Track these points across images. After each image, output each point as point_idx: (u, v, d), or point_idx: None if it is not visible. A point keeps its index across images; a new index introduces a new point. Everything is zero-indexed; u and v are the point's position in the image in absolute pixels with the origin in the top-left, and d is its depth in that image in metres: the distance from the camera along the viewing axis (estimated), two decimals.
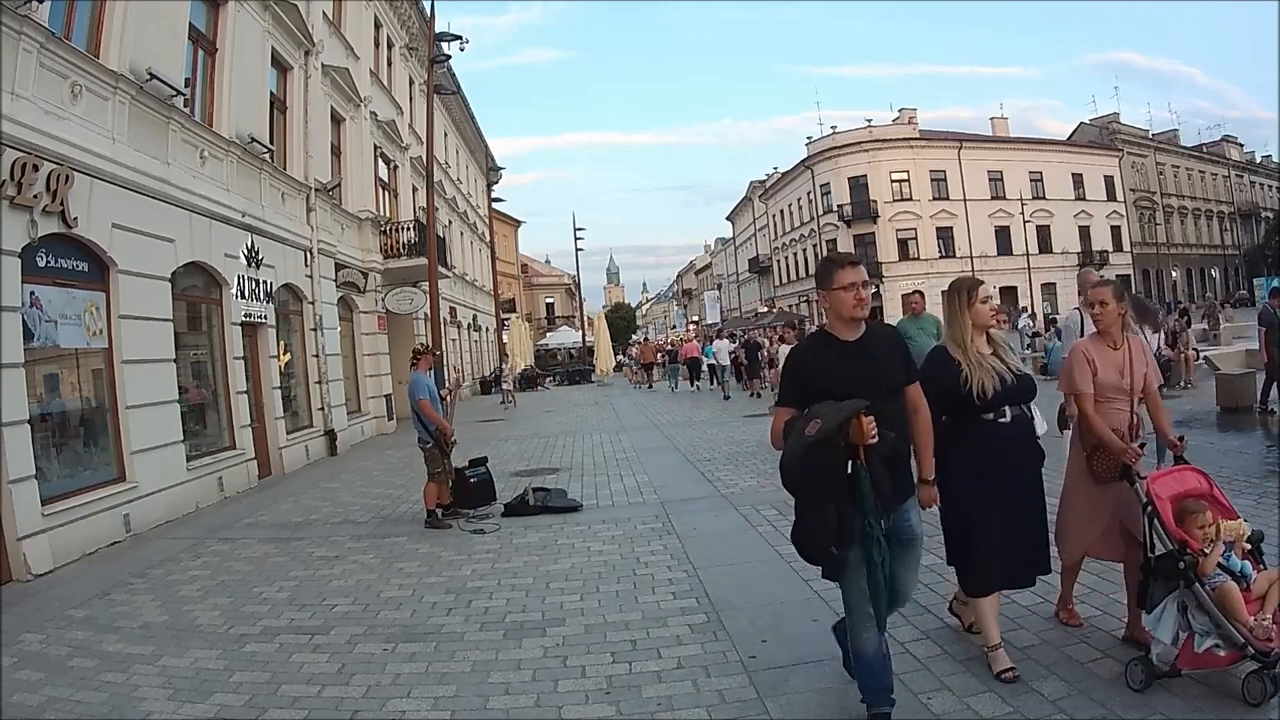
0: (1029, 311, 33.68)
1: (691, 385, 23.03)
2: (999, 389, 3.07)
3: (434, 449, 6.93)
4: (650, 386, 25.89)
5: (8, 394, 5.73)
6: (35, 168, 6.08)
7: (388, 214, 17.28)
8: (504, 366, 25.19)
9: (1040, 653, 3.25)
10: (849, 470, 2.49)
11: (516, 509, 6.94)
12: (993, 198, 42.59)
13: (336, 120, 14.59)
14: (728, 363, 19.44)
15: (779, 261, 53.29)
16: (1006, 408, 3.13)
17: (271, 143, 11.11)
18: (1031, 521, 3.18)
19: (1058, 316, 21.37)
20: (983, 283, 3.32)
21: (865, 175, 42.33)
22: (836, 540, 2.53)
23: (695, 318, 71.78)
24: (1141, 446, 3.25)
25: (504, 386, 22.86)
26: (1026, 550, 3.15)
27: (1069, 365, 3.39)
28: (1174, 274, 47.41)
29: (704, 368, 22.76)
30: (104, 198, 7.09)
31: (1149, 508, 2.90)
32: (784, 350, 8.78)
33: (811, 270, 46.70)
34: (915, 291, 8.48)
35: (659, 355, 28.97)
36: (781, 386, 2.85)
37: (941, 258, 41.47)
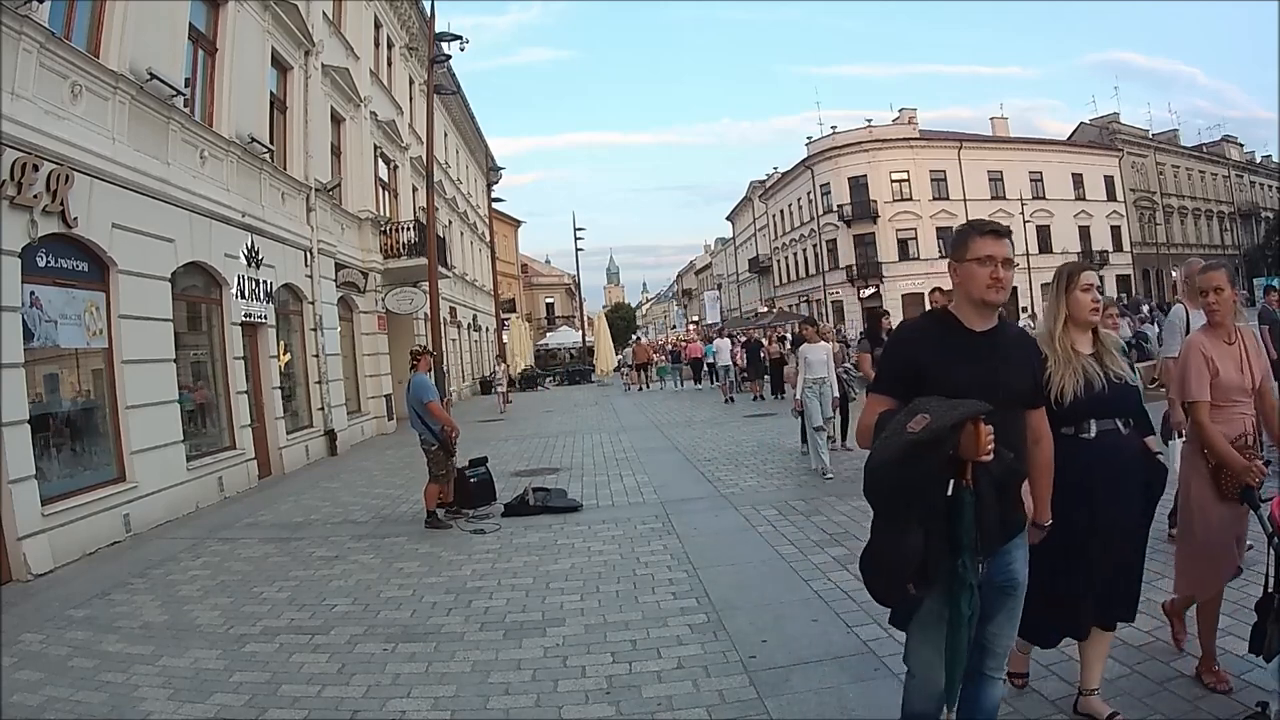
0: (1029, 311, 33.68)
1: (696, 384, 23.67)
2: (1081, 395, 2.55)
3: (439, 450, 6.91)
4: (644, 388, 25.19)
5: (8, 394, 5.73)
6: (35, 168, 6.08)
7: (388, 214, 17.28)
8: (497, 368, 22.94)
9: (1040, 653, 3.24)
10: (949, 490, 1.93)
11: (516, 509, 6.94)
12: (993, 198, 42.52)
13: (336, 120, 14.59)
14: (730, 363, 18.77)
15: (779, 261, 53.25)
16: (1092, 421, 2.60)
17: (271, 143, 11.11)
18: (1111, 566, 2.62)
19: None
20: (1089, 267, 2.76)
21: (865, 175, 42.28)
22: (917, 576, 1.94)
23: (695, 318, 71.75)
24: (1266, 464, 2.79)
25: (497, 389, 20.97)
26: (1093, 598, 2.62)
27: (1184, 367, 2.91)
28: (1174, 273, 47.37)
29: (704, 367, 23.11)
30: (104, 198, 7.09)
31: (1275, 539, 2.47)
32: (811, 349, 8.07)
33: (811, 270, 46.81)
34: (936, 289, 8.32)
35: (653, 355, 28.83)
36: (881, 369, 2.31)
37: (941, 258, 41.00)
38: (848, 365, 9.59)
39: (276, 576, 5.47)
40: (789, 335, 20.58)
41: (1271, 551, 2.51)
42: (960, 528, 1.91)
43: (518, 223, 48.53)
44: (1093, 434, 2.62)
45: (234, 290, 9.74)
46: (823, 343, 8.28)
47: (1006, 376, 2.13)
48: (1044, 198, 42.77)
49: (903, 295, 39.93)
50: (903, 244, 41.92)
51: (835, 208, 43.00)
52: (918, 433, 1.88)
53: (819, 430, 7.74)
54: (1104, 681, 2.87)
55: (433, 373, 7.79)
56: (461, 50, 16.46)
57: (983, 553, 1.98)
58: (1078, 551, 2.54)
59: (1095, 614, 2.67)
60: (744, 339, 21.82)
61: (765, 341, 20.15)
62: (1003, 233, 2.19)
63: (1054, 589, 2.55)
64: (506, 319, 34.19)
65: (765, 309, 51.95)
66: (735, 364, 18.93)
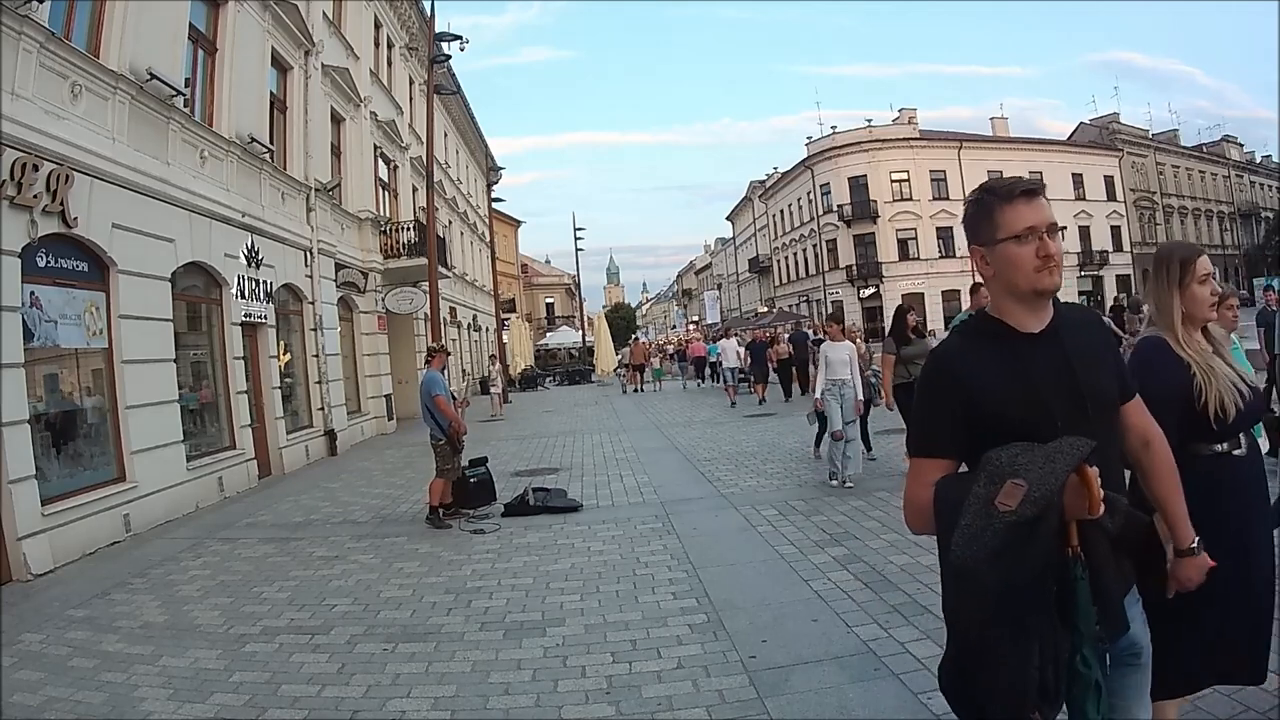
0: None
1: (699, 383, 23.84)
2: (1240, 407, 2.13)
3: (446, 445, 7.01)
4: (640, 389, 24.45)
5: (8, 394, 5.73)
6: (35, 168, 6.08)
7: (388, 214, 17.28)
8: (491, 370, 21.18)
9: None
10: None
11: (516, 509, 6.94)
12: None
13: (336, 120, 14.59)
14: (735, 363, 17.63)
15: (779, 261, 53.28)
16: (1241, 435, 2.22)
17: (271, 143, 11.12)
18: (1262, 595, 2.22)
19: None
20: (1202, 253, 2.28)
21: (865, 175, 42.32)
22: (1040, 697, 1.39)
23: (695, 318, 71.77)
24: None
25: (491, 392, 19.54)
26: (1254, 636, 2.21)
27: None
28: None
29: (707, 366, 23.12)
30: (104, 198, 7.10)
31: None
32: (833, 348, 7.41)
33: (811, 270, 46.76)
34: (978, 283, 7.77)
35: (648, 357, 28.78)
36: (919, 420, 1.73)
37: (941, 258, 41.47)
38: (875, 368, 8.87)
39: (276, 576, 5.47)
40: (787, 334, 20.32)
41: None
42: (1075, 613, 1.40)
43: (518, 223, 48.55)
44: (1244, 449, 2.21)
45: (234, 290, 9.74)
46: (845, 342, 7.59)
47: (1091, 381, 1.58)
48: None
49: (903, 295, 39.91)
50: (903, 244, 41.94)
51: (835, 208, 43.02)
52: (1016, 509, 1.35)
53: (837, 437, 7.08)
54: None
55: (446, 370, 7.90)
56: (461, 50, 16.48)
57: (1108, 637, 1.48)
58: (1228, 587, 2.03)
59: (1255, 665, 2.23)
60: (749, 338, 20.65)
61: (774, 340, 18.39)
62: (1036, 190, 1.60)
63: (1199, 630, 2.08)
64: (506, 319, 34.17)
65: (765, 309, 52.02)
66: (740, 364, 17.80)
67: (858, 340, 9.11)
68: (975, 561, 1.37)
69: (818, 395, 7.45)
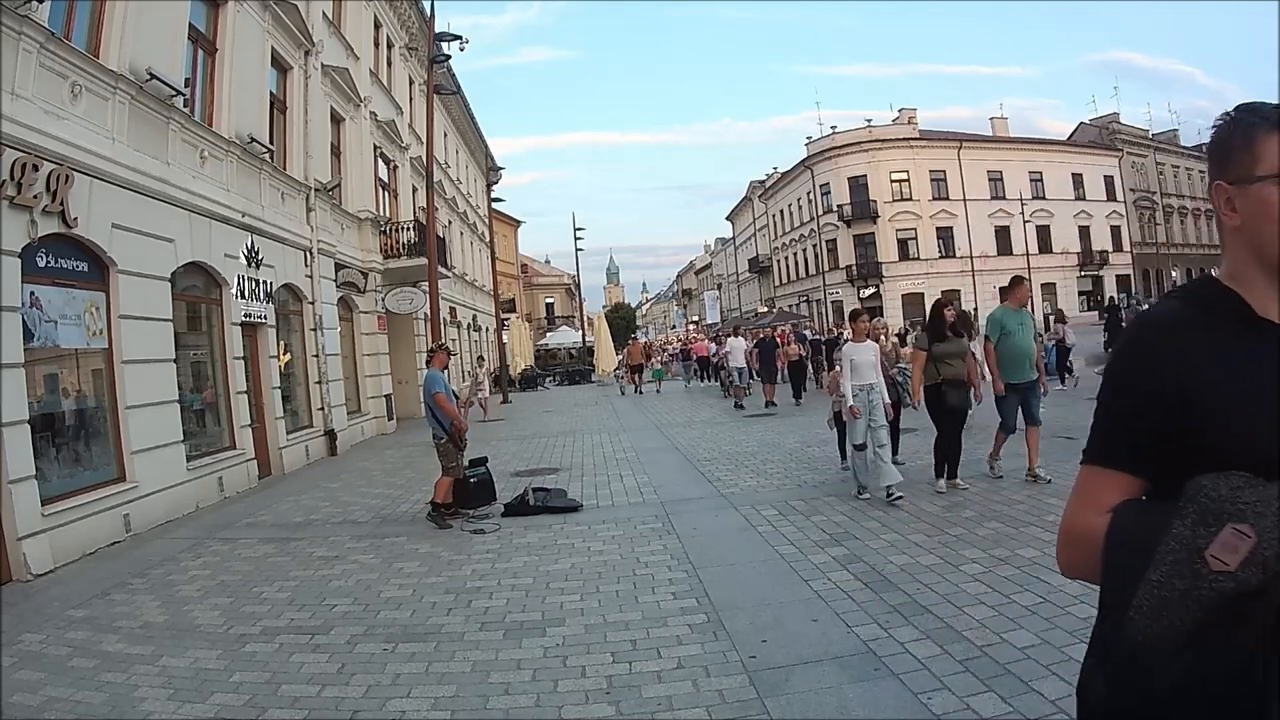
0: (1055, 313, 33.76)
1: (702, 382, 24.08)
2: None
3: (448, 444, 7.04)
4: (639, 390, 23.58)
5: (8, 394, 5.73)
6: (35, 168, 6.08)
7: (388, 214, 17.29)
8: (480, 371, 19.78)
9: (1040, 653, 3.25)
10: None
11: (516, 509, 6.94)
12: (993, 198, 42.62)
13: (336, 120, 14.59)
14: (742, 364, 16.63)
15: (779, 261, 53.30)
16: None
17: (271, 143, 11.12)
18: None
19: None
20: None
21: (865, 175, 42.34)
22: None
23: (695, 318, 71.80)
24: None
25: (478, 396, 18.20)
26: None
27: None
28: (1174, 274, 47.36)
29: (710, 366, 23.23)
30: (104, 198, 7.10)
31: None
32: (857, 349, 6.71)
33: (811, 270, 46.76)
34: (1018, 277, 7.12)
35: (648, 356, 28.82)
36: (1102, 411, 1.19)
37: (941, 258, 41.53)
38: (901, 365, 8.13)
39: (276, 576, 5.47)
40: (791, 333, 19.98)
41: None
42: None
43: (517, 223, 48.57)
44: None
45: (234, 290, 9.75)
46: (869, 342, 6.82)
47: None
48: (1044, 198, 42.81)
49: (902, 295, 39.96)
50: (903, 244, 41.96)
51: (835, 208, 43.04)
52: (1236, 570, 0.90)
53: (860, 448, 6.50)
54: None
55: (448, 370, 7.95)
56: (461, 50, 16.45)
57: None
58: None
59: None
60: (757, 337, 19.08)
61: (781, 340, 17.48)
62: None
63: None
64: (506, 319, 34.16)
65: (765, 309, 52.01)
66: (747, 365, 16.77)
67: (882, 339, 8.37)
68: (1163, 641, 0.93)
69: (850, 403, 6.53)
